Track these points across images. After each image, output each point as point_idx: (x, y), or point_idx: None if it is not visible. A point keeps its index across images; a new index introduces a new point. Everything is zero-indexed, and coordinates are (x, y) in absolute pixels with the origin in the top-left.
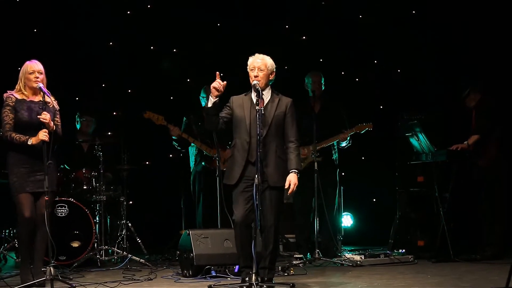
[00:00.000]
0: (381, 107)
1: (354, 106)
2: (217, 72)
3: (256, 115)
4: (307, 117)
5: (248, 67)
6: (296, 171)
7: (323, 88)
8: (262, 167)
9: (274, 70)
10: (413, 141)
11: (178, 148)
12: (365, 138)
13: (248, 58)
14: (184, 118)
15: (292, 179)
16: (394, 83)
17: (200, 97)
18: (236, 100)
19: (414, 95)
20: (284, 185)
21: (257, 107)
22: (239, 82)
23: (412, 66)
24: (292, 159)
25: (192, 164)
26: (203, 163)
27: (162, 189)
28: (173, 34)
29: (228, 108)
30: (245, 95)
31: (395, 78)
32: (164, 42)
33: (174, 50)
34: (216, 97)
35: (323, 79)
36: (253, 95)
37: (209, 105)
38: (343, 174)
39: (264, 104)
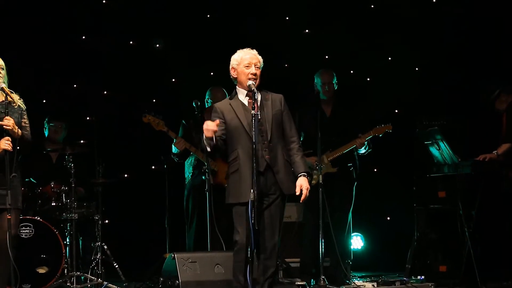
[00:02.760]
0: (396, 111)
1: (365, 109)
2: (217, 121)
3: (253, 120)
4: (317, 122)
5: (238, 64)
6: (306, 174)
7: (335, 88)
8: (274, 175)
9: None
10: (434, 150)
11: (176, 160)
12: (378, 146)
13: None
14: (183, 122)
15: (303, 184)
16: (411, 83)
17: (206, 99)
18: (223, 107)
19: (434, 98)
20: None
21: (252, 112)
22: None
23: (432, 64)
24: (299, 161)
25: (188, 176)
26: (203, 177)
27: (143, 206)
28: (158, 25)
29: (220, 118)
30: (230, 99)
31: (413, 78)
32: (147, 35)
33: (157, 45)
34: (211, 139)
35: (335, 78)
36: (243, 97)
37: (209, 149)
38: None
39: (259, 105)
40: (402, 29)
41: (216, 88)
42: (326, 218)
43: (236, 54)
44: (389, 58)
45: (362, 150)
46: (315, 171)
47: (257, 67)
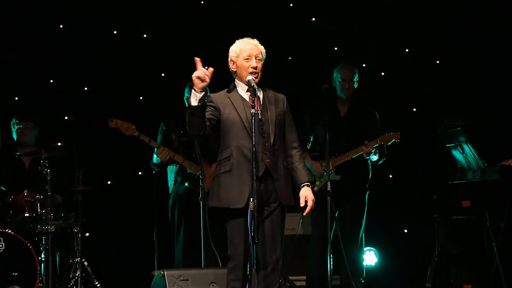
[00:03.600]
0: (414, 109)
1: (379, 108)
2: (197, 59)
3: (252, 119)
4: (325, 121)
5: (237, 56)
6: (310, 184)
7: (356, 87)
8: (273, 182)
9: None
10: (457, 154)
11: (156, 171)
12: (394, 150)
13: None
14: (162, 124)
15: (308, 194)
16: (432, 78)
17: (185, 98)
18: (219, 99)
19: (458, 94)
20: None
21: (252, 110)
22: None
23: (456, 56)
24: (302, 169)
25: (171, 184)
26: (186, 184)
27: (128, 217)
28: (146, 11)
29: (213, 108)
30: (227, 91)
31: (434, 71)
32: (134, 24)
33: (144, 35)
34: (202, 90)
35: (357, 75)
36: (243, 92)
37: (194, 102)
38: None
39: (261, 104)
40: (422, 17)
41: None
42: (336, 230)
43: (234, 45)
44: (407, 50)
45: (374, 158)
46: (317, 178)
47: (258, 60)
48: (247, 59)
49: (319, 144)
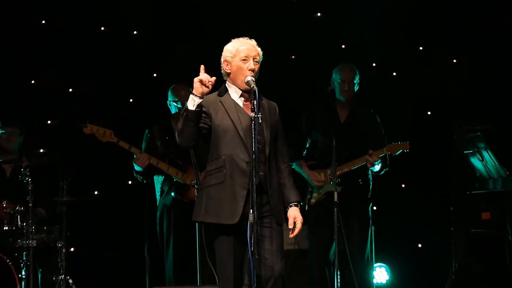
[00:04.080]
0: (429, 113)
1: (390, 112)
2: (202, 66)
3: (252, 125)
4: (330, 125)
5: (233, 56)
6: (298, 204)
7: (356, 89)
8: (267, 197)
9: None
10: (476, 161)
11: (140, 179)
12: (406, 157)
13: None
14: (146, 132)
15: (297, 215)
16: (448, 78)
17: (168, 102)
18: (211, 103)
19: (476, 96)
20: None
21: (252, 114)
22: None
23: (474, 55)
24: (291, 187)
25: (158, 195)
26: (172, 194)
27: (117, 230)
28: (136, 5)
29: (204, 114)
30: (218, 95)
31: (450, 71)
32: (123, 20)
33: (135, 32)
34: (201, 97)
35: (358, 77)
36: (236, 96)
37: (191, 107)
38: (374, 208)
39: (253, 104)
40: (437, 12)
41: (179, 85)
42: (341, 244)
43: (230, 44)
44: (420, 48)
45: (376, 169)
46: (315, 189)
47: (256, 62)
48: (244, 60)
49: (317, 151)
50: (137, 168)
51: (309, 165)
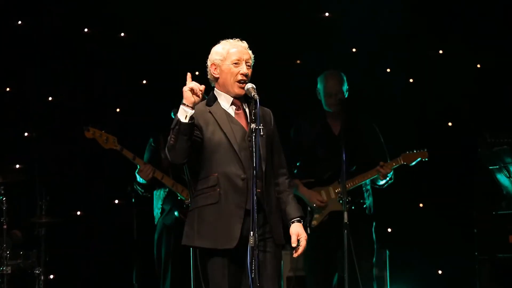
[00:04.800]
0: (450, 124)
1: (405, 122)
2: (189, 74)
3: (252, 137)
4: (323, 142)
5: (223, 59)
6: (301, 220)
7: (345, 96)
8: (265, 215)
9: None
10: (502, 177)
11: (141, 193)
12: (423, 173)
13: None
14: (150, 141)
15: (301, 232)
16: (471, 86)
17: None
18: (200, 114)
19: (503, 106)
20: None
21: (253, 126)
22: None
23: (503, 59)
24: (292, 201)
25: (157, 213)
26: (176, 214)
27: (102, 255)
28: (124, 3)
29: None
30: (207, 104)
31: (473, 78)
32: (108, 20)
33: (122, 34)
34: (193, 107)
35: (345, 84)
36: (226, 105)
37: (184, 119)
38: (389, 230)
39: (248, 120)
40: (459, 10)
41: None
42: (342, 271)
43: (219, 45)
44: (440, 51)
45: (381, 182)
46: (316, 210)
47: (249, 66)
48: (236, 63)
49: (315, 167)
50: (140, 180)
51: (305, 183)
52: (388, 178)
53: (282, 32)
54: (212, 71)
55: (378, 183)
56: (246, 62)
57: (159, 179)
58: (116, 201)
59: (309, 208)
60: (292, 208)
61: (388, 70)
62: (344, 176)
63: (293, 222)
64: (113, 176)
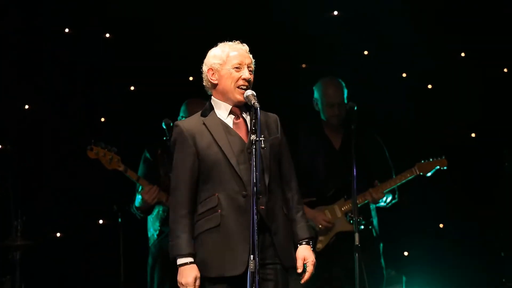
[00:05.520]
0: (473, 135)
1: (423, 133)
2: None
3: (252, 149)
4: (323, 156)
5: (222, 63)
6: (310, 241)
7: (345, 104)
8: (271, 236)
9: None
10: None
11: (139, 217)
12: (443, 187)
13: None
14: (145, 152)
15: (308, 256)
16: (496, 92)
17: (179, 118)
18: (193, 128)
19: None
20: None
21: (252, 136)
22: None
23: None
24: (301, 220)
25: (152, 234)
26: None
27: (84, 280)
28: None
29: (188, 147)
30: (202, 115)
31: (499, 83)
32: (91, 19)
33: (107, 35)
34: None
35: (345, 91)
36: (224, 114)
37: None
38: (406, 254)
39: (249, 126)
40: (483, 10)
41: (195, 101)
42: None
43: (217, 48)
44: (462, 54)
45: (385, 200)
46: (321, 231)
47: (251, 71)
48: (237, 68)
49: (314, 184)
50: (139, 203)
51: (307, 202)
52: (391, 196)
53: (285, 33)
54: (209, 77)
55: (380, 203)
56: (248, 67)
57: (163, 202)
58: (101, 221)
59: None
60: (300, 227)
61: (404, 74)
62: (355, 193)
63: (300, 244)
64: (97, 194)
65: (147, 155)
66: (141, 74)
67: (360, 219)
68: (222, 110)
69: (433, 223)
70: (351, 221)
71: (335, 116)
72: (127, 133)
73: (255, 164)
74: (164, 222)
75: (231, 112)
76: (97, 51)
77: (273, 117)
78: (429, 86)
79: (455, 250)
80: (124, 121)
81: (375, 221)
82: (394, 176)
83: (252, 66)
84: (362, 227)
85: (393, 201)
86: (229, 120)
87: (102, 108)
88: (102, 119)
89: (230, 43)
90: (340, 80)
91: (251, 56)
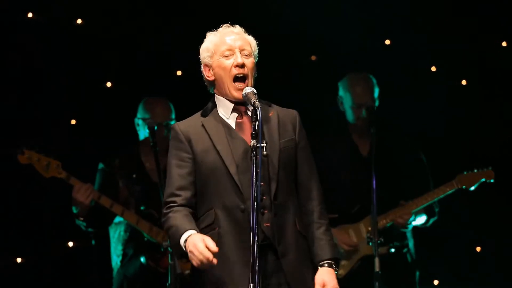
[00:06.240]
0: None
1: (459, 138)
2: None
3: (253, 157)
4: (348, 165)
5: (212, 55)
6: (333, 263)
7: (376, 105)
8: (277, 258)
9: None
10: None
11: (84, 228)
12: (478, 205)
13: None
14: (101, 166)
15: (328, 281)
16: None
17: (136, 121)
18: (191, 130)
19: None
20: None
21: (252, 142)
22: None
23: None
24: (322, 237)
25: (115, 260)
26: (142, 260)
27: None
28: None
29: (184, 152)
30: (202, 115)
31: None
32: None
33: (79, 21)
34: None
35: (376, 89)
36: (226, 113)
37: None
38: (435, 282)
39: (256, 129)
40: None
41: (154, 100)
42: None
43: (206, 40)
44: (504, 43)
45: (421, 221)
46: (343, 254)
47: (246, 55)
48: (227, 55)
49: (337, 198)
50: (75, 210)
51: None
52: (427, 217)
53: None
54: (206, 74)
55: (418, 223)
56: (241, 50)
57: (109, 210)
58: (70, 244)
59: None
60: (321, 246)
61: (433, 68)
62: (376, 210)
63: (321, 266)
64: (66, 211)
65: (102, 166)
66: (119, 67)
67: (380, 240)
68: (224, 108)
69: (469, 247)
70: (379, 242)
71: (361, 119)
72: (98, 137)
73: (255, 174)
74: (127, 243)
75: (234, 110)
76: (68, 40)
77: (291, 114)
78: (463, 82)
79: (495, 278)
80: (98, 124)
81: (411, 244)
82: (432, 189)
83: (250, 48)
84: (393, 250)
85: (432, 219)
86: (231, 120)
87: (72, 108)
88: (73, 122)
89: (220, 28)
90: (371, 76)
91: (247, 37)
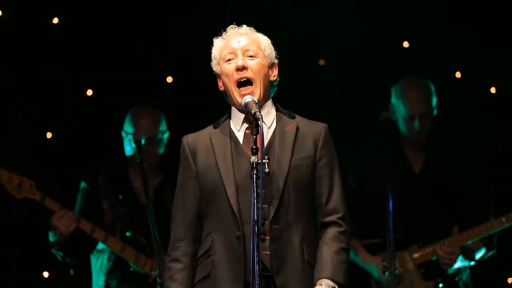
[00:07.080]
0: None
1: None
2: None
3: (252, 175)
4: (399, 183)
5: (218, 60)
6: (332, 286)
7: (434, 114)
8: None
9: (275, 56)
10: None
11: (64, 259)
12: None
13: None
14: (83, 185)
15: None
16: None
17: (123, 134)
18: (198, 144)
19: None
20: None
21: (252, 158)
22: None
23: None
24: (329, 257)
25: None
26: None
27: None
28: None
29: (189, 170)
30: (214, 127)
31: None
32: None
33: (55, 20)
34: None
35: (434, 99)
36: (237, 125)
37: None
38: None
39: (266, 142)
40: None
41: (141, 110)
42: None
43: (213, 48)
44: None
45: (479, 255)
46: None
47: (250, 56)
48: (228, 60)
49: (379, 220)
50: (52, 236)
51: (368, 245)
52: (486, 250)
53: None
54: (219, 85)
55: (476, 257)
56: (244, 51)
57: (90, 236)
58: (46, 274)
59: (375, 285)
60: (323, 264)
61: (458, 74)
62: (392, 235)
63: (319, 284)
64: (41, 237)
65: (84, 185)
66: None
67: (398, 270)
68: (236, 120)
69: (500, 278)
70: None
71: (416, 132)
72: (78, 152)
73: (255, 195)
74: (110, 273)
75: (245, 121)
76: (44, 40)
77: (315, 128)
78: (492, 90)
79: None
80: (77, 137)
81: (464, 276)
82: (491, 219)
83: (255, 48)
84: (442, 285)
85: (490, 253)
86: (240, 134)
87: (47, 119)
88: (49, 135)
89: (226, 32)
90: (428, 82)
91: (255, 34)
